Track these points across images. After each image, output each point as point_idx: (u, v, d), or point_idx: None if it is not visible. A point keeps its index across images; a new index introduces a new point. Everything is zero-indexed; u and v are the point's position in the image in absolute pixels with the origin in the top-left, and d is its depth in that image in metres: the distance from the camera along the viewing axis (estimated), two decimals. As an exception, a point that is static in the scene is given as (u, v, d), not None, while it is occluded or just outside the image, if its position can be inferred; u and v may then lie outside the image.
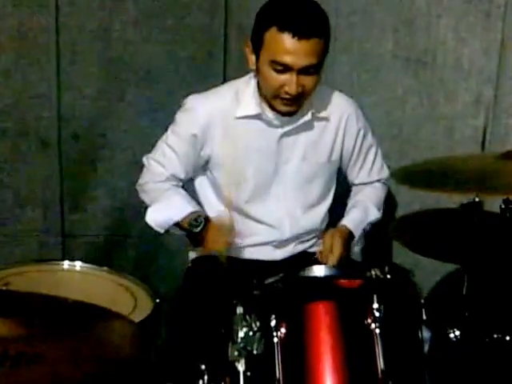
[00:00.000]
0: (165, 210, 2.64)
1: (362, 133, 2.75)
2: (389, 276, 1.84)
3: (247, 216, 2.70)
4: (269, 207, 2.69)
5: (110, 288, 2.49)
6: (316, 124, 2.66)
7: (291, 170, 2.67)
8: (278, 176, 2.67)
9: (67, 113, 3.38)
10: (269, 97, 2.53)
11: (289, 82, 2.43)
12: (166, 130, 3.44)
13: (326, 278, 1.83)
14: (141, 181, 2.78)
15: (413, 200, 3.13)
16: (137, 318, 2.21)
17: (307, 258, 2.72)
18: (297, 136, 2.64)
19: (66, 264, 2.58)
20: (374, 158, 2.82)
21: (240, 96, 2.62)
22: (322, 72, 2.49)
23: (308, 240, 2.79)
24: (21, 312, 1.79)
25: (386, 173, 2.86)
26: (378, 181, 2.86)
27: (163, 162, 2.69)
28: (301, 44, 2.38)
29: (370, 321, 1.79)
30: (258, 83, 2.58)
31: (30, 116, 3.33)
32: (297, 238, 2.75)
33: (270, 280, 1.84)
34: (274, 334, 1.78)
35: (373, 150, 2.81)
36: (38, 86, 3.31)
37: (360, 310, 1.81)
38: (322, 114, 2.65)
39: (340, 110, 2.69)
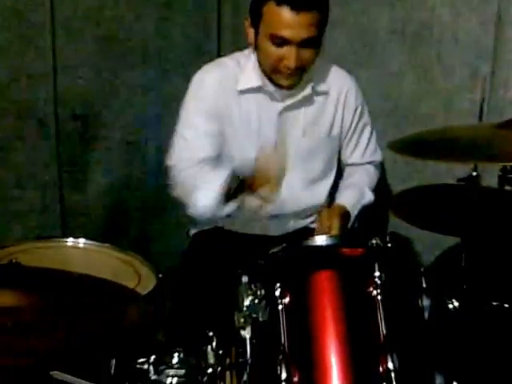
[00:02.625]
0: (207, 193, 2.50)
1: (359, 109, 2.76)
2: (390, 244, 1.86)
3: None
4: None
5: (113, 264, 2.50)
6: (316, 98, 2.67)
7: (292, 145, 2.67)
8: (279, 151, 2.66)
9: (64, 92, 3.36)
10: (268, 71, 2.55)
11: (288, 56, 2.43)
12: (162, 108, 3.51)
13: (328, 246, 1.84)
14: (171, 181, 2.66)
15: (409, 176, 3.18)
16: (141, 292, 2.22)
17: (307, 234, 2.70)
18: (297, 111, 2.65)
19: (70, 241, 2.59)
20: (369, 138, 2.84)
21: (241, 69, 2.63)
22: (321, 45, 2.50)
23: (309, 216, 2.80)
24: (32, 284, 1.84)
25: (379, 156, 2.89)
26: (371, 163, 2.87)
27: (186, 145, 2.63)
28: (299, 17, 2.37)
29: (371, 288, 1.81)
30: (258, 58, 2.59)
31: (27, 96, 3.31)
32: (297, 214, 2.77)
33: (274, 250, 1.86)
34: (279, 301, 1.79)
35: (368, 129, 2.82)
36: (34, 65, 3.29)
37: (362, 277, 1.83)
38: (322, 88, 2.67)
39: (340, 84, 2.71)
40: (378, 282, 1.81)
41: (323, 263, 1.83)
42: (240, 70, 2.64)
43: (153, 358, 1.72)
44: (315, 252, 1.84)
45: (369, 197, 2.79)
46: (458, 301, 2.20)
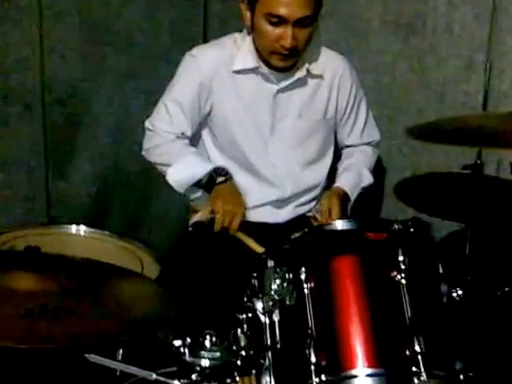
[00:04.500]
0: (187, 169, 2.61)
1: (354, 91, 2.76)
2: (412, 229, 1.87)
3: (250, 173, 2.71)
4: (269, 164, 2.70)
5: (115, 251, 2.51)
6: (310, 81, 2.68)
7: (287, 127, 2.69)
8: (275, 133, 2.68)
9: (51, 77, 3.33)
10: (265, 53, 2.56)
11: (284, 35, 2.45)
12: (147, 94, 3.48)
13: (353, 231, 1.85)
14: (148, 145, 2.72)
15: (404, 166, 3.20)
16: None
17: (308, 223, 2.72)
18: (292, 93, 2.66)
19: (71, 228, 2.57)
20: (366, 118, 2.83)
21: (238, 48, 2.64)
22: (316, 27, 2.52)
23: (308, 202, 2.80)
24: (52, 269, 1.82)
25: (377, 135, 2.88)
26: (369, 144, 2.87)
27: (169, 119, 2.65)
28: None
29: (395, 272, 1.82)
30: (254, 40, 2.59)
31: (14, 80, 3.27)
32: (297, 196, 2.76)
33: (297, 234, 1.86)
34: (305, 285, 1.80)
35: (364, 109, 2.82)
36: (22, 49, 3.25)
37: (386, 262, 1.84)
38: (316, 71, 2.67)
39: (334, 66, 2.71)
40: (402, 266, 1.82)
41: (347, 248, 1.84)
42: (237, 49, 2.64)
43: (189, 340, 1.70)
44: (340, 236, 1.84)
45: (368, 179, 2.79)
46: (462, 289, 2.21)
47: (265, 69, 2.61)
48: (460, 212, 2.34)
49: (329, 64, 2.70)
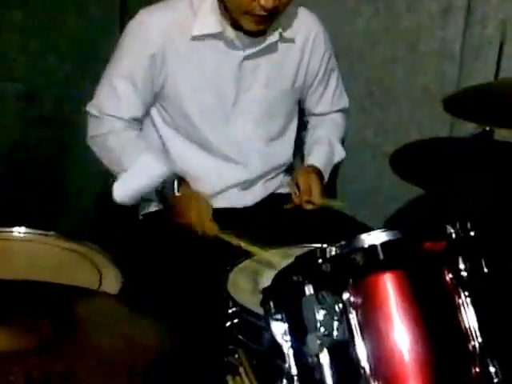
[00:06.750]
0: (133, 181, 2.27)
1: (327, 55, 2.51)
2: (472, 233, 1.53)
3: (210, 153, 2.39)
4: (231, 141, 2.39)
5: (65, 256, 2.07)
6: (280, 46, 2.37)
7: (253, 98, 2.38)
8: (238, 106, 2.37)
9: None
10: (237, 13, 2.18)
11: None
12: (59, 54, 3.03)
13: (407, 241, 1.49)
14: (93, 133, 2.33)
15: (365, 125, 2.92)
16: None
17: (279, 201, 2.47)
18: (259, 60, 2.35)
19: (6, 230, 2.12)
20: (336, 85, 2.59)
21: (196, 10, 2.25)
22: None
23: (273, 178, 2.52)
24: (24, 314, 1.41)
25: (346, 102, 2.66)
26: (338, 111, 2.64)
27: (118, 101, 2.28)
28: None
29: (457, 288, 1.49)
30: None
31: None
32: (265, 175, 2.48)
33: (335, 250, 1.48)
34: (350, 315, 1.44)
35: (335, 75, 2.58)
36: None
37: (445, 276, 1.50)
38: (289, 35, 2.37)
39: (307, 28, 2.42)
40: (464, 279, 1.49)
41: (398, 263, 1.49)
42: (193, 12, 2.26)
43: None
44: (391, 249, 1.48)
45: (339, 154, 2.59)
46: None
47: (231, 33, 2.25)
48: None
49: (302, 25, 2.41)
